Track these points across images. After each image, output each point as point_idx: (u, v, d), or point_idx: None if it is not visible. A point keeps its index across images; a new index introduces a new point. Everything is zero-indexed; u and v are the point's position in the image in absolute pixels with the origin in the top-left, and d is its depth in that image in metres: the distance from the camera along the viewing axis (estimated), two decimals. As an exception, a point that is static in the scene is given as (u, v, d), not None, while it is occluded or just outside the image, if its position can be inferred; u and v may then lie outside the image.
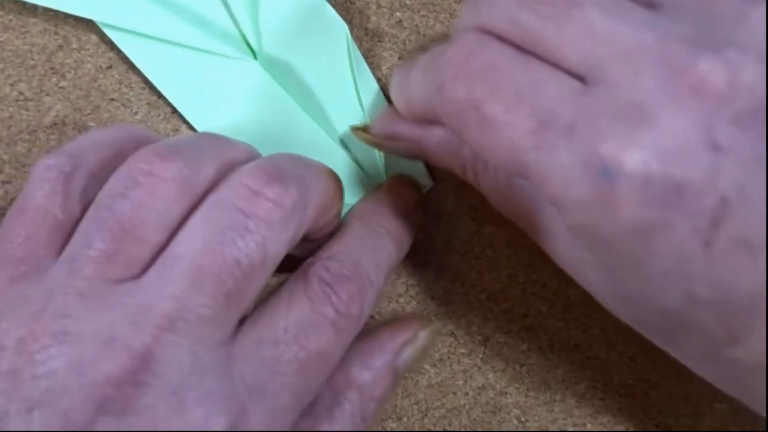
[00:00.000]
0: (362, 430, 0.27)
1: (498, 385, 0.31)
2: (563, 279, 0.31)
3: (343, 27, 0.31)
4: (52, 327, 0.22)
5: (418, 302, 0.32)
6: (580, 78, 0.22)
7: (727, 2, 0.22)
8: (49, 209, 0.24)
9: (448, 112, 0.24)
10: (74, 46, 0.32)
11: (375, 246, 0.28)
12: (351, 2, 0.32)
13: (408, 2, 0.33)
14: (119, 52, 0.31)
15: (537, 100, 0.22)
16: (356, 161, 0.31)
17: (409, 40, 0.32)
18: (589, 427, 0.31)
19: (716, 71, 0.21)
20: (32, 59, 0.32)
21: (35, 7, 0.32)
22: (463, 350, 0.31)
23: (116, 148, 0.26)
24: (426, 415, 0.31)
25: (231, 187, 0.24)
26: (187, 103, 0.32)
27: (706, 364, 0.24)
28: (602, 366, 0.31)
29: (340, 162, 0.31)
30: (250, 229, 0.23)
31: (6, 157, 0.31)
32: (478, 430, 0.31)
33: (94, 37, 0.32)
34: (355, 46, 0.31)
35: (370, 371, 0.27)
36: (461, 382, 0.31)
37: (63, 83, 0.32)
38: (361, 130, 0.30)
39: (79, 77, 0.32)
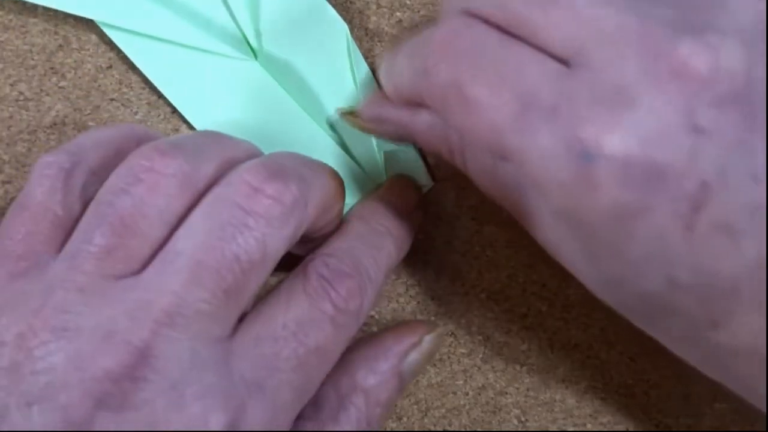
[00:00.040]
0: (368, 435, 0.27)
1: (498, 385, 0.31)
2: (563, 279, 0.31)
3: (343, 27, 0.31)
4: (52, 322, 0.22)
5: (418, 302, 0.32)
6: (564, 61, 0.22)
7: None
8: (49, 206, 0.24)
9: (433, 95, 0.24)
10: (74, 46, 0.32)
11: (375, 244, 0.28)
12: (351, 2, 0.32)
13: (408, 2, 0.33)
14: (119, 52, 0.32)
15: (520, 83, 0.22)
16: (356, 161, 0.32)
17: (409, 41, 0.33)
18: (589, 427, 0.31)
19: (697, 55, 0.21)
20: (32, 59, 0.32)
21: (35, 7, 0.32)
22: (463, 350, 0.31)
23: (116, 146, 0.26)
24: (426, 415, 0.31)
25: (231, 183, 0.24)
26: (187, 102, 0.32)
27: (688, 348, 0.24)
28: (602, 366, 0.31)
29: (340, 162, 0.31)
30: (249, 226, 0.23)
31: (6, 157, 0.31)
32: (478, 430, 0.31)
33: (94, 37, 0.32)
34: (355, 46, 0.31)
35: (376, 376, 0.27)
36: (461, 382, 0.31)
37: (63, 83, 0.32)
38: (350, 114, 0.30)
39: (79, 77, 0.32)
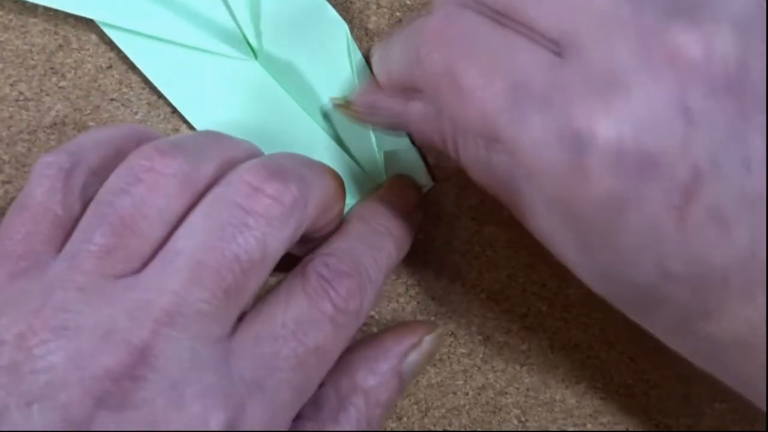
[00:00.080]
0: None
1: (498, 385, 0.31)
2: (563, 279, 0.31)
3: (343, 27, 0.31)
4: (52, 321, 0.22)
5: (418, 302, 0.32)
6: (557, 49, 0.22)
7: None
8: (49, 206, 0.24)
9: (426, 84, 0.24)
10: (74, 46, 0.32)
11: (375, 244, 0.28)
12: (351, 2, 0.32)
13: (408, 2, 0.33)
14: (119, 52, 0.32)
15: (513, 72, 0.22)
16: (356, 161, 0.32)
17: (409, 41, 0.33)
18: (589, 427, 0.31)
19: (691, 42, 0.21)
20: (32, 59, 0.32)
21: (35, 7, 0.32)
22: (463, 350, 0.31)
23: (116, 146, 0.26)
24: (426, 415, 0.31)
25: (231, 183, 0.24)
26: (187, 102, 0.32)
27: (681, 339, 0.24)
28: (602, 366, 0.31)
29: (340, 162, 0.31)
30: (249, 225, 0.23)
31: (6, 157, 0.31)
32: (478, 430, 0.31)
33: (94, 37, 0.32)
34: (355, 46, 0.31)
35: (376, 376, 0.27)
36: (461, 382, 0.31)
37: (63, 83, 0.32)
38: (343, 105, 0.30)
39: (79, 77, 0.32)
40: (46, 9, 0.32)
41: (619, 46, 0.21)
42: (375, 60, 0.29)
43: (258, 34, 0.31)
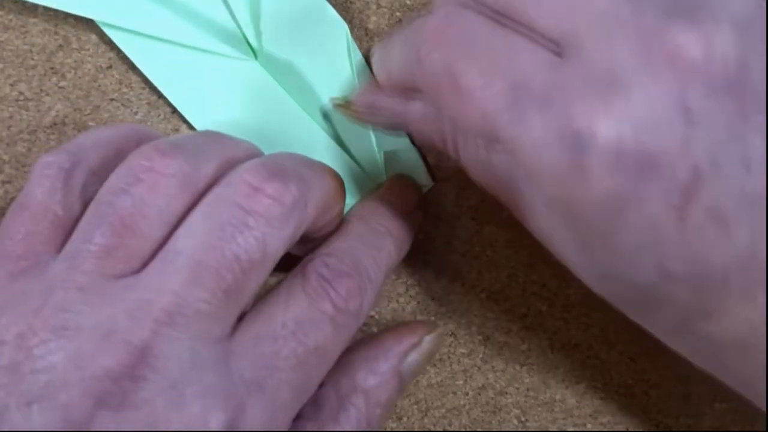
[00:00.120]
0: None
1: (498, 385, 0.31)
2: (563, 279, 0.31)
3: (343, 27, 0.31)
4: (52, 321, 0.22)
5: (418, 302, 0.32)
6: (557, 49, 0.22)
7: None
8: (49, 206, 0.24)
9: (426, 83, 0.25)
10: (74, 46, 0.32)
11: (375, 244, 0.28)
12: (351, 2, 0.32)
13: (408, 2, 0.33)
14: (119, 52, 0.32)
15: (513, 72, 0.22)
16: (356, 161, 0.32)
17: (409, 41, 0.33)
18: (589, 427, 0.31)
19: (691, 42, 0.21)
20: (32, 59, 0.32)
21: (35, 7, 0.32)
22: (463, 350, 0.31)
23: (116, 146, 0.26)
24: (426, 415, 0.31)
25: (231, 183, 0.24)
26: (188, 102, 0.32)
27: (681, 339, 0.24)
28: (602, 366, 0.31)
29: (340, 162, 0.31)
30: (249, 225, 0.23)
31: (6, 157, 0.31)
32: (478, 430, 0.31)
33: (94, 37, 0.32)
34: (355, 46, 0.31)
35: (376, 376, 0.27)
36: (461, 382, 0.31)
37: (63, 83, 0.32)
38: (343, 106, 0.30)
39: (79, 77, 0.32)
40: (46, 9, 0.32)
41: (619, 46, 0.21)
42: (375, 60, 0.29)
43: (258, 34, 0.31)
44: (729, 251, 0.21)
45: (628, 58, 0.21)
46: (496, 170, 0.24)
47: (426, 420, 0.31)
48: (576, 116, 0.21)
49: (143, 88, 0.32)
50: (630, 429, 0.31)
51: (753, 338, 0.22)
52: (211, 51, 0.31)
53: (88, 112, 0.32)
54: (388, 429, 0.31)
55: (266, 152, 0.27)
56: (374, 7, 0.33)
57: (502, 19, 0.23)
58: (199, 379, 0.22)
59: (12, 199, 0.30)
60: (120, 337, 0.21)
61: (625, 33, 0.21)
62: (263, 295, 0.25)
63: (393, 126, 0.28)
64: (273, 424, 0.23)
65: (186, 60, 0.31)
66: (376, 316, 0.31)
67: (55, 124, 0.32)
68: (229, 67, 0.31)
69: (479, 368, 0.31)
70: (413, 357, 0.28)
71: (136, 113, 0.32)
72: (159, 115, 0.32)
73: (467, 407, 0.31)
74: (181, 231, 0.23)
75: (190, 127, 0.32)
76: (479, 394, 0.31)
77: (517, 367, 0.31)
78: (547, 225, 0.23)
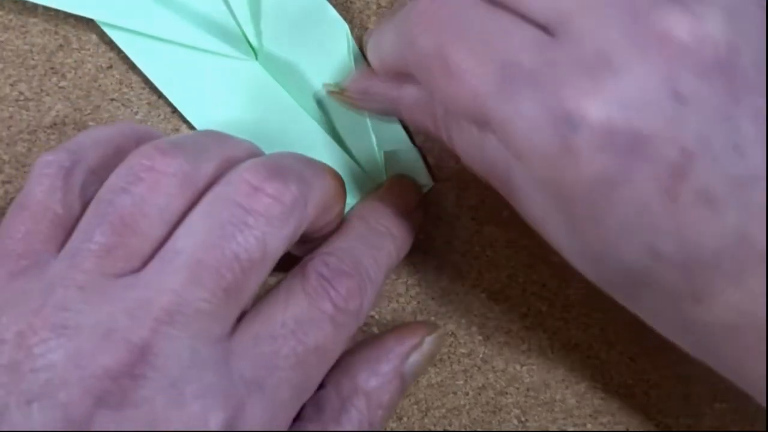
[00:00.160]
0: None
1: (498, 385, 0.31)
2: (563, 279, 0.31)
3: (343, 27, 0.31)
4: (52, 320, 0.22)
5: (418, 302, 0.32)
6: (548, 29, 0.22)
7: None
8: (49, 205, 0.24)
9: (417, 65, 0.25)
10: (74, 46, 0.32)
11: (375, 244, 0.28)
12: (351, 2, 0.32)
13: (408, 2, 0.33)
14: (119, 51, 0.32)
15: (503, 52, 0.22)
16: (356, 161, 0.32)
17: (409, 41, 0.33)
18: (589, 427, 0.31)
19: (681, 23, 0.21)
20: (32, 59, 0.32)
21: (35, 7, 0.32)
22: (463, 350, 0.31)
23: (116, 145, 0.26)
24: (426, 415, 0.31)
25: (231, 182, 0.24)
26: (188, 102, 0.32)
27: (670, 323, 0.24)
28: (602, 366, 0.31)
29: (340, 162, 0.31)
30: (249, 225, 0.23)
31: (6, 157, 0.31)
32: (478, 430, 0.31)
33: (94, 37, 0.32)
34: (356, 46, 0.31)
35: (377, 377, 0.27)
36: (461, 382, 0.31)
37: (63, 83, 0.32)
38: (337, 92, 0.30)
39: (79, 77, 0.32)
40: (46, 9, 0.32)
41: (610, 28, 0.21)
42: (368, 45, 0.29)
43: (258, 34, 0.31)
44: (718, 233, 0.21)
45: (618, 40, 0.21)
46: (488, 154, 0.24)
47: (426, 420, 0.31)
48: (566, 97, 0.21)
49: (143, 88, 0.32)
50: (630, 429, 0.31)
51: (742, 322, 0.22)
52: (211, 51, 0.31)
53: (89, 112, 0.32)
54: (388, 429, 0.31)
55: (266, 152, 0.27)
56: (374, 7, 0.33)
57: (494, 0, 0.23)
58: (198, 378, 0.22)
59: (12, 199, 0.30)
60: (120, 336, 0.21)
61: (616, 14, 0.21)
62: (263, 295, 0.25)
63: (386, 112, 0.28)
64: (273, 424, 0.23)
65: (186, 60, 0.31)
66: (376, 316, 0.31)
67: (55, 124, 0.32)
68: (229, 66, 0.31)
69: (479, 368, 0.31)
70: (415, 358, 0.28)
71: (136, 113, 0.32)
72: (159, 115, 0.32)
73: (467, 407, 0.31)
74: (181, 230, 0.23)
75: (191, 126, 0.32)
76: (479, 394, 0.31)
77: (517, 367, 0.31)
78: (538, 208, 0.23)
